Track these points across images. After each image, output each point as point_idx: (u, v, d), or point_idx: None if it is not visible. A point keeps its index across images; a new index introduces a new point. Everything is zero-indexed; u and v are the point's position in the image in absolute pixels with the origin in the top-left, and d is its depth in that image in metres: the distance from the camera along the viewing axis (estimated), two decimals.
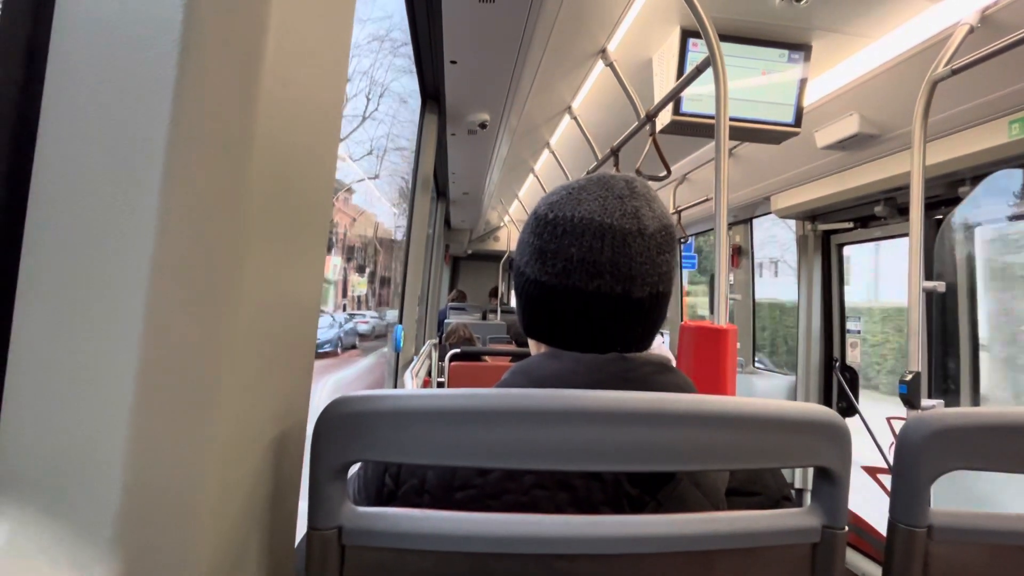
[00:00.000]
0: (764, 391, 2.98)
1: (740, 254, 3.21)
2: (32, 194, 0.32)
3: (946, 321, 2.06)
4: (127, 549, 0.33)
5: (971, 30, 1.36)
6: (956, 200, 1.91)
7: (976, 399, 2.01)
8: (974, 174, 1.76)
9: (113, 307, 0.32)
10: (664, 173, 1.79)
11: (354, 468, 0.51)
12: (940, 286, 1.47)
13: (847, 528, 0.45)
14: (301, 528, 0.52)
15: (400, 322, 2.77)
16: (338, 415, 0.41)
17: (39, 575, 0.30)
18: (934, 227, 2.05)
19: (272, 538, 0.47)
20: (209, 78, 0.34)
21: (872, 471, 2.21)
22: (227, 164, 0.36)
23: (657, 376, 0.54)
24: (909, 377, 1.39)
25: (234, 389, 0.38)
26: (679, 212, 3.19)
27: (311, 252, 0.51)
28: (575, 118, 2.47)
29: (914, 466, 0.46)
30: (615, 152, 2.09)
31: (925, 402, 1.41)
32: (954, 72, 1.35)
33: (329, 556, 0.41)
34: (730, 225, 3.09)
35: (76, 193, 0.33)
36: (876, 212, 2.15)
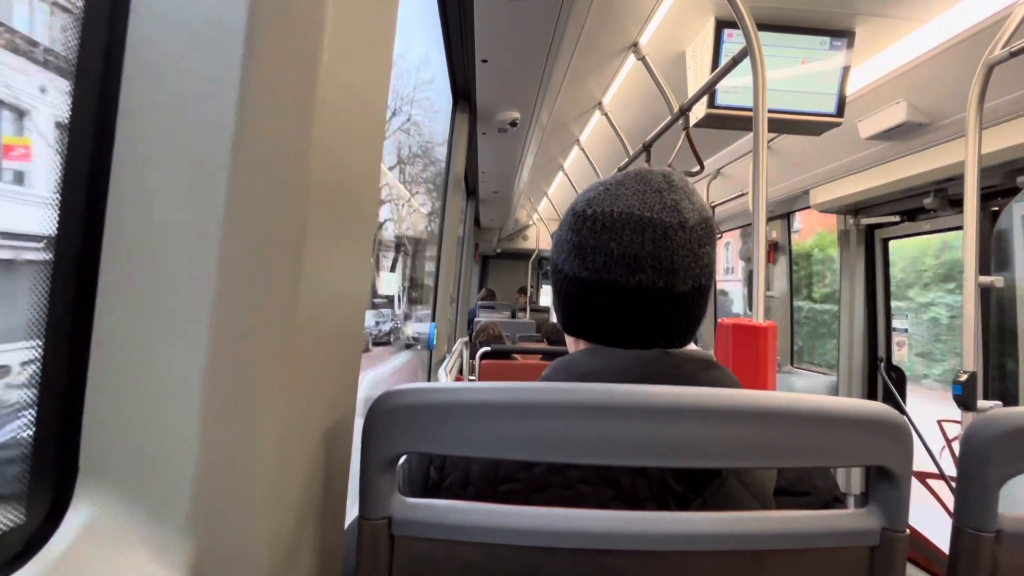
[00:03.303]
0: (804, 391, 2.88)
1: (776, 250, 3.12)
2: (110, 201, 0.34)
3: None
4: (198, 534, 0.35)
5: None
6: (1014, 191, 1.80)
7: None
8: None
9: (183, 310, 0.34)
10: (697, 168, 1.76)
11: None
12: (998, 281, 1.40)
13: (908, 531, 0.43)
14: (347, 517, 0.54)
15: (433, 320, 2.80)
16: (389, 408, 0.42)
17: (119, 556, 0.32)
18: (990, 219, 1.94)
19: (324, 525, 0.48)
20: (271, 80, 0.35)
21: (922, 476, 2.12)
22: (287, 165, 0.37)
23: (702, 372, 0.53)
24: (964, 377, 1.32)
25: (290, 385, 0.40)
26: (713, 208, 3.13)
27: (359, 251, 0.52)
28: (606, 114, 2.44)
29: (982, 468, 0.44)
30: (647, 148, 2.06)
31: (981, 403, 1.34)
32: (1012, 55, 1.27)
33: (380, 545, 0.42)
34: (767, 220, 3.00)
35: (149, 200, 0.35)
36: (925, 204, 2.05)
